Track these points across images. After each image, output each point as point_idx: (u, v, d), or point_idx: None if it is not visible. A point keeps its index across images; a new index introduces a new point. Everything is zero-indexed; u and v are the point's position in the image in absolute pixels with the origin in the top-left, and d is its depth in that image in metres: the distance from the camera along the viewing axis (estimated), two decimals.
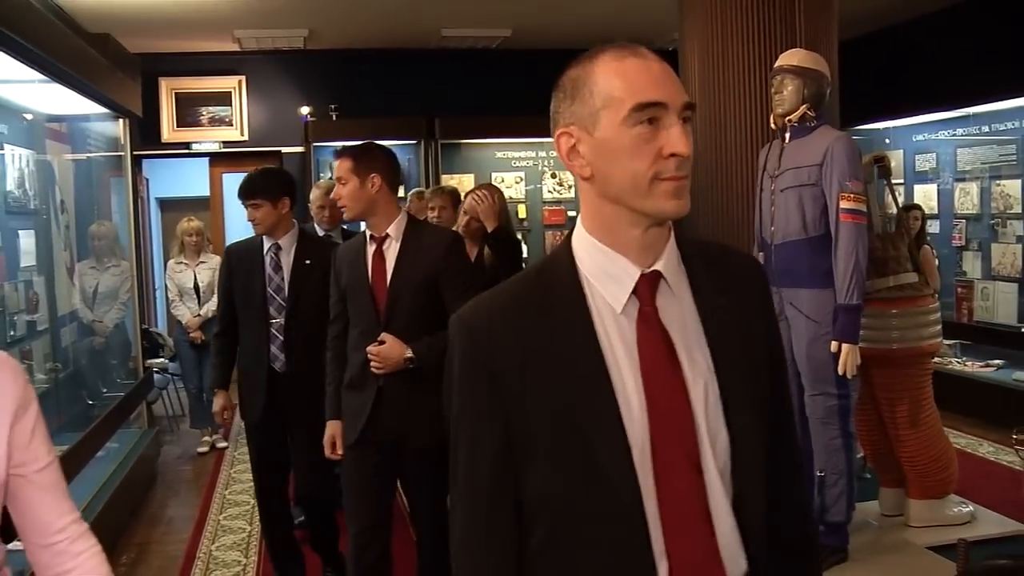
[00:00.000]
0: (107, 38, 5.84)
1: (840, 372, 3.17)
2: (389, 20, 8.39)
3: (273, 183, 3.86)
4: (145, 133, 8.72)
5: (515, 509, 1.33)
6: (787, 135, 3.38)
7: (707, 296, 1.36)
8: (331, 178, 9.18)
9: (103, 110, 6.01)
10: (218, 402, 4.06)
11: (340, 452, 3.36)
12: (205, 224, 7.58)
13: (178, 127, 9.44)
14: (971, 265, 8.10)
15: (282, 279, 3.86)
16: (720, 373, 1.32)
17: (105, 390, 6.63)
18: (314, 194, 5.17)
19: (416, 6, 7.89)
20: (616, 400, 1.27)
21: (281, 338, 3.83)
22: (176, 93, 9.42)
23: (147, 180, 10.35)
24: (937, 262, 8.41)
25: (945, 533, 3.70)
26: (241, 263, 3.93)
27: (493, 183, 5.18)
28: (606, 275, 1.32)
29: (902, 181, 8.97)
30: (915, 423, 3.71)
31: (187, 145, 9.47)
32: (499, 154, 9.90)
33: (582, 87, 1.30)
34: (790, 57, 3.35)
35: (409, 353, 3.12)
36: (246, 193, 3.82)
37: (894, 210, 3.77)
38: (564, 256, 1.35)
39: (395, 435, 3.23)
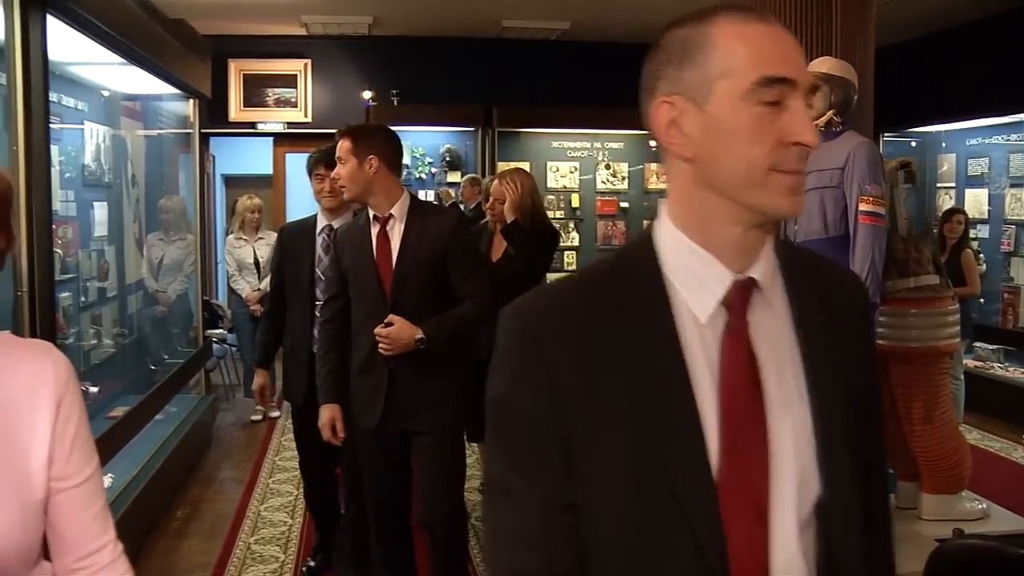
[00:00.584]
0: (181, 23, 6.15)
1: None
2: (451, 10, 8.62)
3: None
4: (213, 112, 9.08)
5: (570, 537, 1.10)
6: None
7: (806, 312, 1.15)
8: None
9: (175, 90, 6.33)
10: (258, 380, 4.09)
11: (341, 436, 3.33)
12: (267, 202, 7.91)
13: (245, 107, 9.78)
14: (1019, 271, 8.10)
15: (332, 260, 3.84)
16: (816, 405, 1.11)
17: (166, 356, 6.99)
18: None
19: None
20: (703, 433, 1.07)
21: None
22: (244, 74, 9.76)
23: (213, 157, 10.73)
24: (984, 267, 8.47)
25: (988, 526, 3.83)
26: (293, 243, 3.92)
27: (522, 168, 5.17)
28: (694, 278, 1.10)
29: (953, 185, 8.99)
30: (930, 419, 3.85)
31: (253, 125, 9.81)
32: (555, 144, 10.08)
33: (694, 50, 1.08)
34: (819, 65, 3.51)
35: (420, 334, 3.07)
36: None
37: (907, 213, 3.89)
38: (644, 252, 1.14)
39: (409, 420, 3.20)
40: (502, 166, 9.60)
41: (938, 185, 9.19)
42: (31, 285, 3.24)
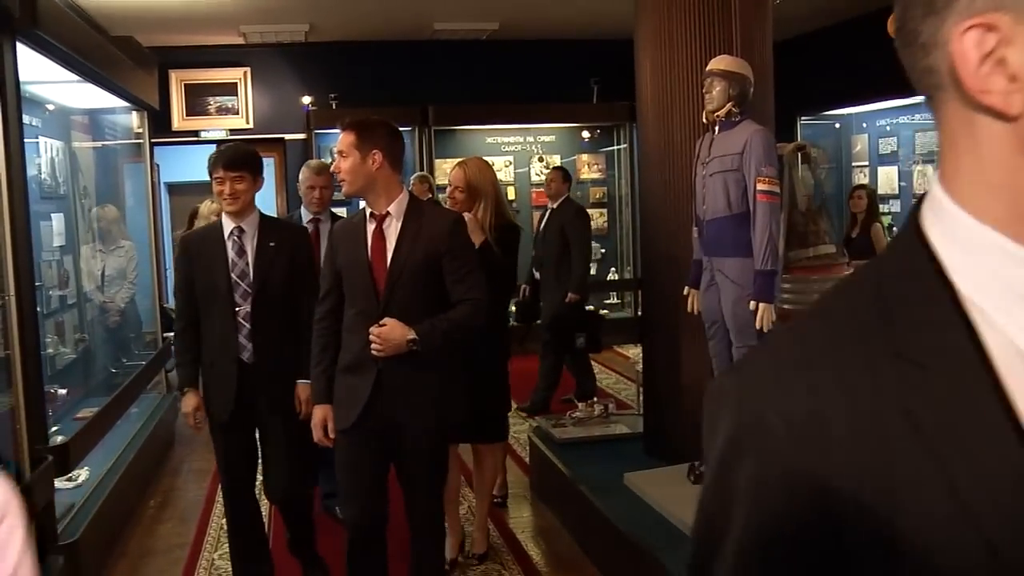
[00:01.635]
0: (130, 39, 6.42)
1: (757, 327, 3.78)
2: (385, 14, 8.96)
3: (254, 159, 3.71)
4: (157, 122, 9.29)
5: None
6: (716, 128, 3.97)
7: None
8: (329, 159, 9.75)
9: (124, 103, 6.59)
10: (189, 402, 3.73)
11: (332, 435, 3.24)
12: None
13: (187, 116, 10.03)
14: None
15: (247, 264, 3.64)
16: None
17: (125, 360, 7.24)
18: (304, 174, 4.77)
19: (410, 2, 8.46)
20: None
21: (248, 326, 3.62)
22: (185, 84, 10.00)
23: (158, 166, 10.91)
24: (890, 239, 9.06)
25: None
26: (202, 251, 3.69)
27: (480, 157, 4.68)
28: (1018, 298, 0.69)
29: (867, 163, 9.59)
30: None
31: (196, 133, 10.05)
32: (489, 139, 10.50)
33: None
34: (718, 62, 3.94)
35: (412, 335, 3.02)
36: (232, 163, 3.58)
37: (809, 191, 4.35)
38: (917, 263, 0.73)
39: (393, 422, 3.14)
40: (439, 163, 10.02)
41: (853, 164, 9.80)
42: (17, 290, 3.54)
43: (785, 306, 4.33)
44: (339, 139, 3.12)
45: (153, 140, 7.40)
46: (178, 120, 9.96)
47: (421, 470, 3.26)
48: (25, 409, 3.69)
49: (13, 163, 3.54)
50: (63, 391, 5.73)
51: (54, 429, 4.55)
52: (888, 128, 9.29)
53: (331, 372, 3.25)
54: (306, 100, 10.10)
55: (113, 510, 4.77)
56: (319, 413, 3.28)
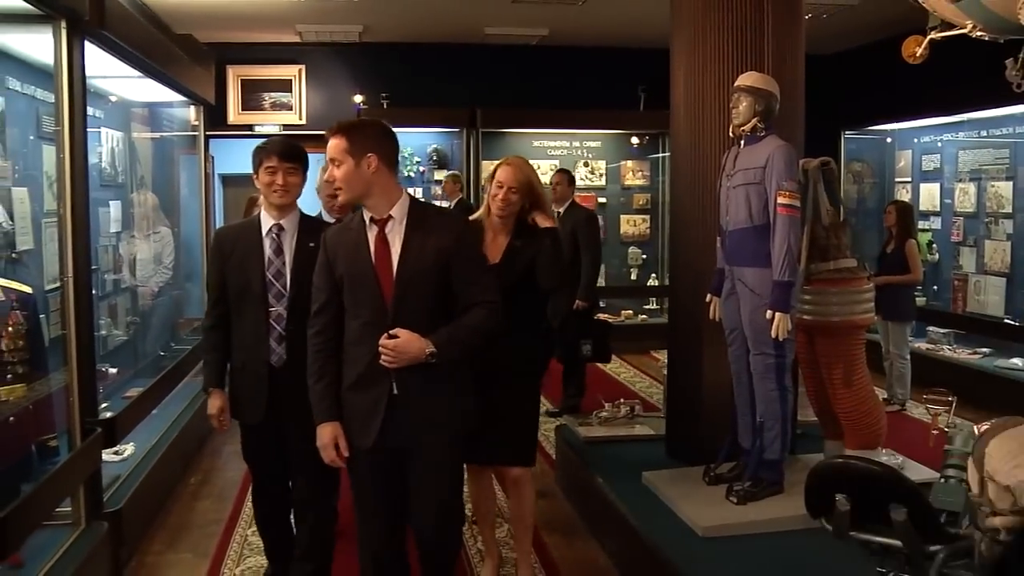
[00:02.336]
0: (189, 37, 6.70)
1: (772, 336, 3.91)
2: (437, 18, 9.19)
3: (305, 154, 3.59)
4: (213, 115, 9.61)
5: None
6: (742, 142, 4.11)
7: None
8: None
9: (181, 98, 6.87)
10: (214, 402, 3.62)
11: (345, 455, 3.02)
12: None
13: (243, 110, 10.35)
14: (967, 260, 8.71)
15: (283, 264, 3.49)
16: None
17: (173, 344, 7.53)
18: (321, 178, 4.27)
19: (462, 6, 8.68)
20: None
21: (279, 329, 3.47)
22: (242, 79, 10.33)
23: (213, 158, 11.27)
24: (937, 256, 9.09)
25: None
26: (236, 247, 3.54)
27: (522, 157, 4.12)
28: None
29: (910, 179, 9.60)
30: (849, 383, 4.43)
31: (250, 127, 10.36)
32: (536, 143, 10.68)
33: None
34: (745, 79, 4.08)
35: (431, 347, 2.86)
36: (287, 153, 3.49)
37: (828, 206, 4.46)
38: None
39: (409, 437, 2.98)
40: (486, 164, 10.22)
41: (896, 180, 9.81)
42: (76, 273, 3.80)
43: (805, 317, 4.46)
44: (329, 145, 2.91)
45: (208, 133, 7.67)
46: (234, 114, 10.28)
47: (440, 487, 3.07)
48: (78, 384, 3.94)
49: (76, 153, 3.79)
50: (113, 370, 6.00)
51: (103, 406, 4.79)
52: (932, 145, 9.29)
53: (336, 387, 3.02)
54: (358, 99, 10.35)
55: (155, 484, 5.02)
56: (328, 431, 3.01)
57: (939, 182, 9.17)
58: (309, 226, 3.58)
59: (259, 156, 3.50)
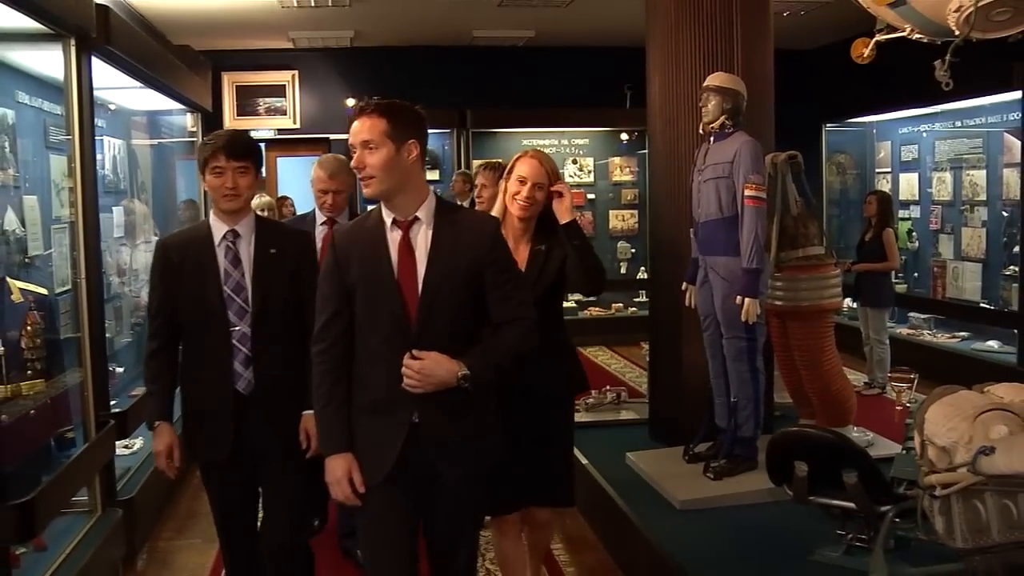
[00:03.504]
0: (187, 48, 6.95)
1: (743, 320, 4.16)
2: (426, 23, 9.44)
3: (257, 148, 3.11)
4: (210, 121, 9.86)
5: None
6: (711, 138, 4.37)
7: None
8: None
9: (179, 106, 7.12)
10: (161, 439, 3.06)
11: (361, 490, 2.58)
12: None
13: (238, 116, 10.59)
14: (945, 247, 8.97)
15: (242, 275, 3.02)
16: None
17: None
18: (315, 173, 4.06)
19: (450, 11, 8.92)
20: None
21: (245, 351, 2.99)
22: (237, 85, 10.57)
23: None
24: (917, 244, 9.36)
25: None
26: (186, 260, 3.05)
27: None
28: None
29: (889, 170, 9.86)
30: (818, 364, 4.70)
31: (246, 132, 10.59)
32: (525, 142, 10.90)
33: None
34: (713, 79, 4.34)
35: (463, 370, 2.46)
36: (236, 150, 2.98)
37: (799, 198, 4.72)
38: None
39: (430, 470, 2.59)
40: (477, 163, 10.46)
41: (876, 170, 10.08)
42: (88, 274, 4.05)
43: (777, 303, 4.72)
44: (360, 126, 2.48)
45: (210, 140, 7.92)
46: (230, 119, 10.52)
47: (461, 524, 2.73)
48: (92, 380, 4.19)
49: (86, 162, 4.04)
50: (120, 370, 6.25)
51: (112, 403, 5.05)
52: (910, 136, 9.56)
53: (347, 412, 2.61)
54: (351, 102, 10.58)
55: (164, 476, 5.25)
56: (341, 465, 2.58)
57: (918, 172, 9.43)
58: (267, 230, 3.14)
59: (203, 154, 3.01)
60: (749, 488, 4.19)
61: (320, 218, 4.07)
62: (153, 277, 3.19)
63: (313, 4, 8.20)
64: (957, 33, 2.89)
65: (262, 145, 7.52)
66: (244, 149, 3.01)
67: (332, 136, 10.66)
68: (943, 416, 2.78)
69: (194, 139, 7.88)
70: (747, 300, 4.14)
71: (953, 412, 2.76)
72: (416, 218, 2.55)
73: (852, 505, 3.15)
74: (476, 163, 10.47)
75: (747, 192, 4.15)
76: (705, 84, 4.36)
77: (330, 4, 8.26)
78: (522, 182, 3.15)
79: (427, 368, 2.45)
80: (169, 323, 3.10)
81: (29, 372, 3.93)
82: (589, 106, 10.54)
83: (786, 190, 4.66)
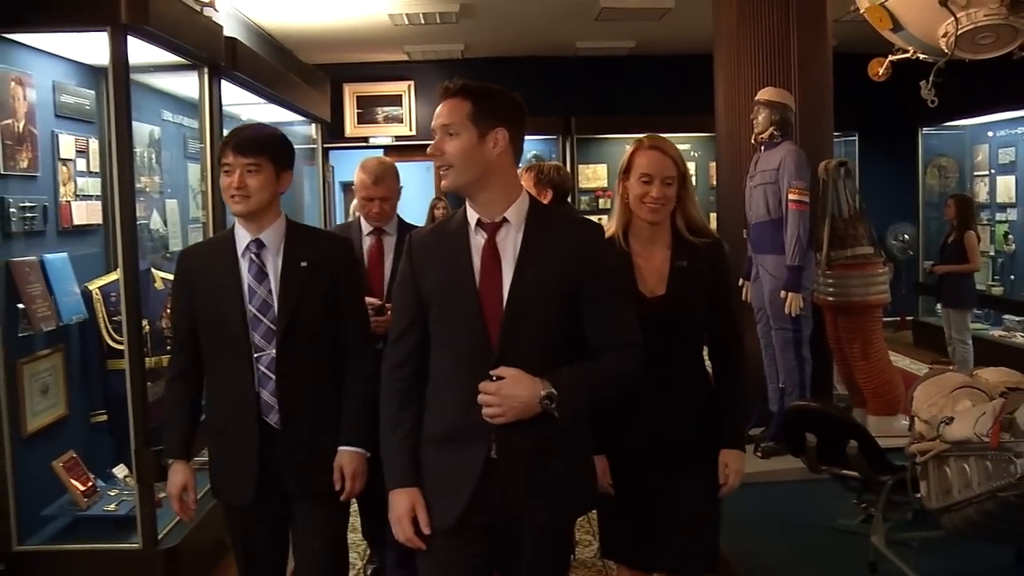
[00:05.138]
0: (306, 65, 7.71)
1: (786, 312, 4.57)
2: (532, 35, 10.03)
3: (277, 144, 2.70)
4: (332, 129, 10.71)
5: None
6: (762, 148, 4.80)
7: None
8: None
9: (302, 118, 7.92)
10: (176, 478, 2.70)
11: (427, 531, 2.23)
12: None
13: (358, 124, 11.43)
14: None
15: (269, 291, 2.64)
16: None
17: None
18: (358, 178, 3.62)
19: (551, 25, 9.47)
20: None
21: (273, 378, 2.60)
22: (357, 96, 11.41)
23: (333, 168, 12.43)
24: (1014, 246, 9.41)
25: (892, 442, 4.99)
26: (207, 273, 2.70)
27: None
28: None
29: (987, 173, 9.91)
30: (867, 356, 5.05)
31: (365, 139, 11.43)
32: (628, 147, 11.36)
33: None
34: (763, 93, 4.77)
35: (547, 389, 2.09)
36: (244, 145, 2.61)
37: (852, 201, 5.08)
38: None
39: (508, 515, 2.22)
40: (582, 168, 11.03)
41: (974, 173, 10.14)
42: None
43: (828, 299, 5.10)
44: (442, 108, 2.24)
45: (327, 145, 8.69)
46: (350, 127, 11.36)
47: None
48: (129, 371, 3.95)
49: (214, 172, 4.76)
50: None
51: None
52: (1009, 138, 9.59)
53: (415, 441, 2.28)
54: None
55: None
56: (404, 501, 2.25)
57: (1015, 174, 9.46)
58: (299, 238, 2.74)
59: (219, 151, 2.69)
60: (790, 466, 4.59)
61: (366, 228, 3.59)
62: (173, 292, 2.84)
63: (423, 21, 8.88)
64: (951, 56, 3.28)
65: (315, 147, 8.40)
66: (256, 144, 2.62)
67: None
68: (927, 394, 3.19)
69: (315, 146, 8.68)
70: (790, 294, 4.56)
71: (935, 390, 3.17)
72: (504, 220, 2.21)
73: (856, 474, 3.56)
74: (581, 167, 11.04)
75: (791, 196, 4.57)
76: (756, 98, 4.80)
77: (438, 21, 8.92)
78: (647, 180, 2.58)
79: (505, 389, 2.09)
80: (188, 345, 2.72)
81: (168, 348, 4.67)
82: (689, 112, 10.92)
83: (837, 194, 5.03)
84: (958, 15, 3.05)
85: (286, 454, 2.63)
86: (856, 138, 10.99)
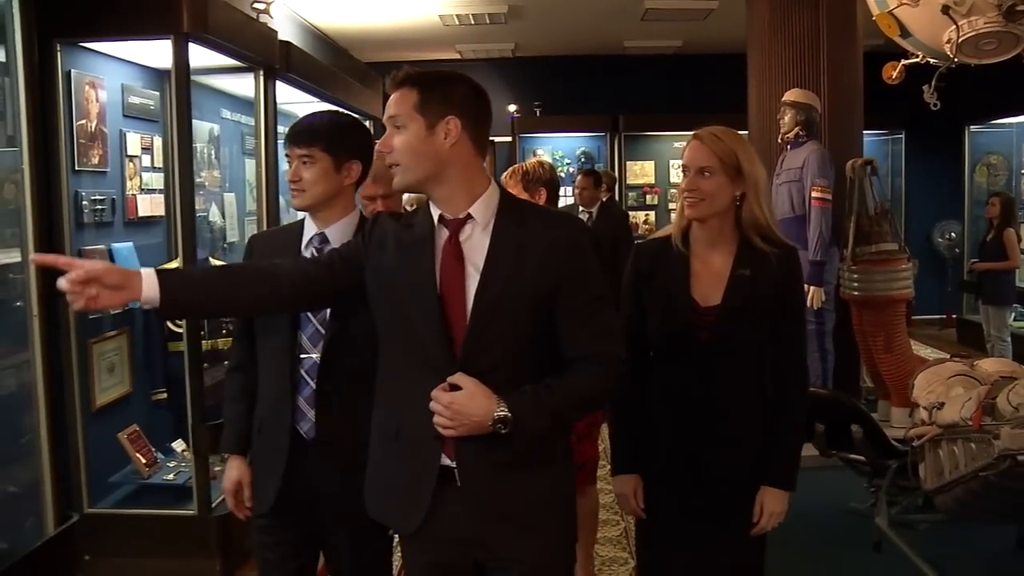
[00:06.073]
0: (362, 65, 8.04)
1: (808, 305, 4.75)
2: (581, 35, 10.26)
3: (339, 134, 2.48)
4: (384, 128, 11.05)
5: None
6: (788, 147, 4.98)
7: None
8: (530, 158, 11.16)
9: (356, 117, 8.26)
10: (230, 475, 2.57)
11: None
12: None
13: None
14: None
15: None
16: None
17: None
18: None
19: (599, 24, 9.69)
20: None
21: (312, 385, 2.41)
22: None
23: None
24: None
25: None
26: (268, 261, 2.42)
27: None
28: None
29: None
30: (889, 349, 5.20)
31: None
32: (676, 144, 11.54)
33: None
34: (789, 94, 4.95)
35: (502, 410, 1.84)
36: (300, 135, 2.46)
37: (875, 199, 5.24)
38: None
39: (481, 546, 1.98)
40: (630, 165, 11.22)
41: (1022, 172, 10.12)
42: None
43: (854, 293, 5.26)
44: (390, 100, 1.99)
45: (380, 141, 9.04)
46: None
47: None
48: (187, 353, 4.16)
49: (270, 165, 5.07)
50: None
51: None
52: None
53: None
54: (512, 108, 11.54)
55: None
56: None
57: None
58: None
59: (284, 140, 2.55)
60: (805, 453, 4.76)
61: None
62: None
63: (472, 21, 9.16)
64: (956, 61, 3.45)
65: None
66: (307, 134, 2.45)
67: (497, 139, 11.62)
68: (926, 382, 3.38)
69: None
70: (812, 288, 4.74)
71: (933, 378, 3.35)
72: (469, 216, 1.98)
73: (863, 458, 3.75)
74: (629, 164, 11.24)
75: (814, 194, 4.76)
76: (782, 99, 4.98)
77: (488, 21, 9.20)
78: (685, 172, 2.43)
79: (459, 404, 1.85)
80: (244, 337, 2.60)
81: (224, 332, 5.00)
82: (736, 111, 11.04)
83: (863, 192, 5.19)
84: (959, 22, 3.22)
85: (317, 469, 2.41)
86: (903, 136, 11.00)
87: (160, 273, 1.93)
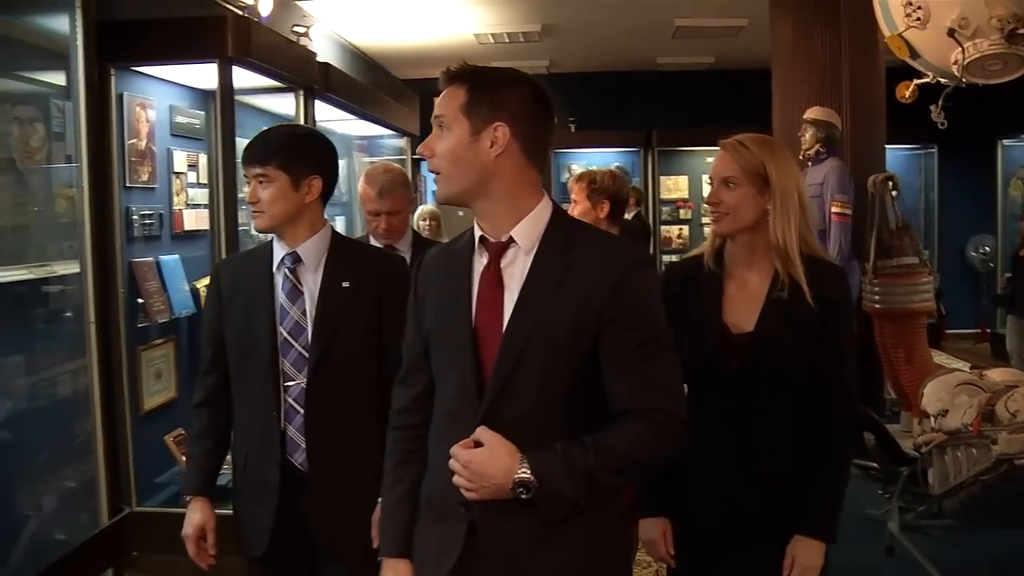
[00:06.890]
0: (399, 83, 8.28)
1: None
2: (614, 52, 10.46)
3: (294, 149, 2.33)
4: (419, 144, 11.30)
5: None
6: (809, 164, 5.12)
7: None
8: (566, 176, 11.27)
9: (393, 132, 8.50)
10: (193, 518, 2.39)
11: None
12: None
13: None
14: None
15: (303, 312, 2.34)
16: None
17: None
18: (362, 190, 3.26)
19: (631, 41, 9.88)
20: None
21: (302, 413, 2.30)
22: None
23: (425, 178, 13.05)
24: None
25: None
26: (239, 287, 2.41)
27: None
28: None
29: None
30: (910, 360, 5.31)
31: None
32: (708, 159, 11.64)
33: None
34: (809, 112, 5.10)
35: (524, 472, 1.61)
36: (248, 157, 2.33)
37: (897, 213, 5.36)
38: None
39: None
40: (663, 180, 11.36)
41: None
42: None
43: (876, 306, 5.38)
44: (439, 98, 1.83)
45: (415, 157, 9.26)
46: None
47: None
48: None
49: None
50: None
51: None
52: None
53: (411, 504, 1.88)
54: None
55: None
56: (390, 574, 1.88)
57: None
58: (345, 255, 2.42)
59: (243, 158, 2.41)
60: None
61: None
62: (205, 303, 2.57)
63: (507, 40, 9.38)
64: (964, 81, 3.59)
65: (405, 158, 8.94)
66: (263, 153, 2.31)
67: None
68: (934, 391, 3.50)
69: (404, 157, 9.26)
70: None
71: (941, 386, 3.48)
72: (511, 240, 1.76)
73: (877, 465, 3.88)
74: (663, 179, 11.38)
75: (833, 209, 4.89)
76: (803, 117, 5.13)
77: (522, 40, 9.41)
78: (711, 183, 2.29)
79: (478, 463, 1.64)
80: (215, 369, 2.44)
81: None
82: (768, 124, 11.15)
83: (884, 206, 5.31)
84: (965, 45, 3.35)
85: (313, 502, 2.30)
86: (935, 150, 11.04)
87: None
